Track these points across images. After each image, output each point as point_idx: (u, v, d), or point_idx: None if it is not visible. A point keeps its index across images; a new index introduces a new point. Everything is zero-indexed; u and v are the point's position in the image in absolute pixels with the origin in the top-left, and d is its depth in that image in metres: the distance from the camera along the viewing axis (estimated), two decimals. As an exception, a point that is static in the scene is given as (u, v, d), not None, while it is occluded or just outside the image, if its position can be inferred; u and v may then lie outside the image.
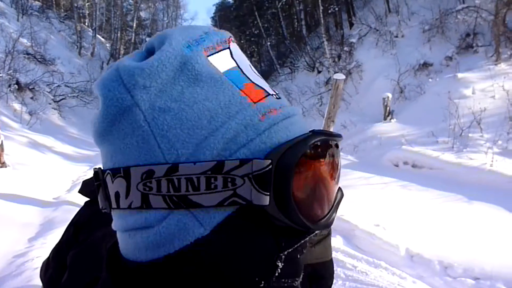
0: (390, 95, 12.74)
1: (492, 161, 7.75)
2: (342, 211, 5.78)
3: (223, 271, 0.53)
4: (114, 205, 0.55)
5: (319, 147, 0.55)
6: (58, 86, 19.34)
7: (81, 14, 31.59)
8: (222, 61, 0.55)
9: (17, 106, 15.12)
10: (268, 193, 0.51)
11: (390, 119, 12.44)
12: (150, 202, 0.51)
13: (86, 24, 32.54)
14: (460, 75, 11.89)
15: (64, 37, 26.42)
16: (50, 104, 17.76)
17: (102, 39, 34.28)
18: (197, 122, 0.52)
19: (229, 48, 0.57)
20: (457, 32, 14.29)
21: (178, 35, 0.55)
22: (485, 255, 4.62)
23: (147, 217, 0.53)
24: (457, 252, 4.74)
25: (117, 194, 0.54)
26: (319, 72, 20.89)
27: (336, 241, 5.03)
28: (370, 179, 8.05)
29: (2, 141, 8.80)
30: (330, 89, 14.30)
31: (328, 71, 18.97)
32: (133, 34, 37.20)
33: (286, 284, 0.57)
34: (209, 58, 0.54)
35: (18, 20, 21.79)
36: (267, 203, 0.51)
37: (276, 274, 0.55)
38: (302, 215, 0.53)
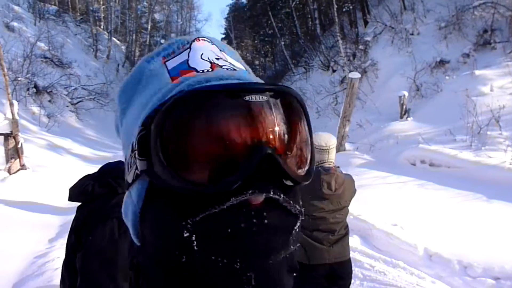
0: (406, 93, 12.62)
1: (511, 159, 7.63)
2: (359, 211, 5.76)
3: (150, 244, 0.57)
4: None
5: (190, 101, 0.51)
6: (75, 89, 19.58)
7: (96, 18, 31.93)
8: (176, 61, 0.62)
9: (35, 109, 15.36)
10: (144, 158, 0.53)
11: (407, 117, 12.32)
12: None
13: (102, 27, 32.88)
14: (477, 72, 11.72)
15: (80, 40, 26.74)
16: (67, 106, 17.98)
17: (118, 42, 34.61)
18: (135, 118, 0.60)
19: (190, 47, 0.64)
20: (474, 28, 14.09)
21: (146, 55, 0.67)
22: (505, 255, 4.56)
23: None
24: (476, 252, 4.68)
25: None
26: (334, 71, 20.80)
27: (353, 241, 5.00)
28: (387, 178, 7.99)
29: (21, 144, 8.95)
30: (345, 88, 14.26)
31: (343, 70, 18.87)
32: (148, 36, 37.47)
33: (220, 264, 0.49)
34: (167, 62, 0.63)
35: (35, 24, 22.12)
36: (145, 167, 0.53)
37: (195, 248, 0.50)
38: (184, 177, 0.50)
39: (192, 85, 0.55)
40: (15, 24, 19.35)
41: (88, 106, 19.70)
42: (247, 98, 0.52)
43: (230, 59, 0.65)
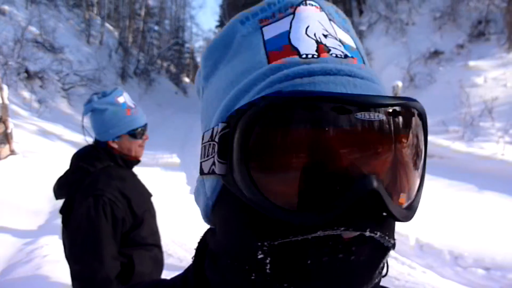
0: (400, 84, 12.59)
1: (503, 150, 7.66)
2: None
3: (220, 252, 0.51)
4: None
5: (288, 109, 0.42)
6: (67, 74, 19.37)
7: (89, 2, 31.51)
8: (275, 29, 0.52)
9: (26, 94, 15.18)
10: (225, 162, 0.45)
11: (400, 107, 12.33)
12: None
13: (95, 12, 32.47)
14: (471, 63, 11.73)
15: (72, 25, 26.39)
16: (59, 92, 17.80)
17: (111, 28, 34.23)
18: (220, 92, 0.52)
19: (293, 13, 0.52)
20: (468, 19, 14.07)
21: (241, 12, 0.56)
22: (496, 245, 4.58)
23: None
24: (467, 242, 4.70)
25: None
26: (328, 60, 20.77)
27: (345, 230, 5.01)
28: (380, 168, 7.99)
29: (11, 129, 8.85)
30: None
31: (337, 59, 18.83)
32: (142, 23, 37.08)
33: (283, 287, 0.44)
34: (264, 27, 0.52)
35: (26, 8, 21.78)
36: (223, 172, 0.45)
37: (268, 270, 0.44)
38: (272, 199, 0.42)
39: (291, 76, 0.45)
40: (6, 7, 19.04)
41: (80, 92, 19.50)
42: (359, 115, 0.42)
43: (340, 33, 0.53)
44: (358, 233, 0.43)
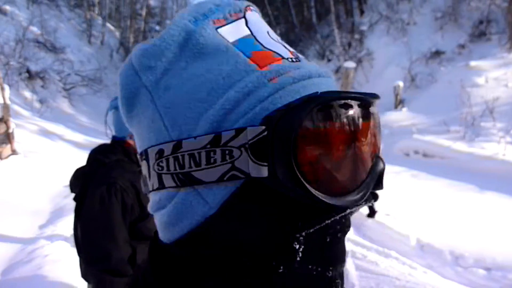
0: (401, 84, 12.61)
1: (504, 150, 7.65)
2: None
3: (236, 253, 0.50)
4: (146, 189, 0.57)
5: (328, 108, 0.46)
6: (68, 74, 19.39)
7: (90, 2, 31.54)
8: (233, 31, 0.53)
9: (27, 94, 15.20)
10: (266, 164, 0.46)
11: (401, 107, 12.32)
12: (163, 182, 0.52)
13: (96, 12, 32.51)
14: (472, 63, 11.72)
15: (73, 25, 26.42)
16: (60, 92, 17.82)
17: (112, 28, 34.27)
18: (196, 95, 0.50)
19: (244, 17, 0.54)
20: (470, 19, 14.06)
21: (186, 11, 0.54)
22: (496, 245, 4.58)
23: (161, 197, 0.54)
24: (468, 242, 4.70)
25: (145, 178, 0.56)
26: (329, 60, 20.72)
27: (346, 230, 5.00)
28: (380, 168, 7.99)
29: (13, 129, 8.86)
30: (340, 78, 14.23)
31: (338, 60, 18.81)
32: (143, 23, 37.11)
33: (314, 272, 0.49)
34: (219, 29, 0.53)
35: (28, 8, 21.80)
36: (266, 174, 0.46)
37: (298, 258, 0.48)
38: (315, 188, 0.46)
39: (298, 79, 0.49)
40: (7, 7, 19.06)
41: (81, 92, 19.53)
42: (371, 109, 0.51)
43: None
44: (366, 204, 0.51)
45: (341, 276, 0.52)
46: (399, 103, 12.44)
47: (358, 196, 0.48)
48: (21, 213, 5.79)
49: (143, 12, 36.66)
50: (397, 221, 5.34)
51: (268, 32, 0.54)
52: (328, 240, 0.50)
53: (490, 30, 13.08)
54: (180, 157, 0.49)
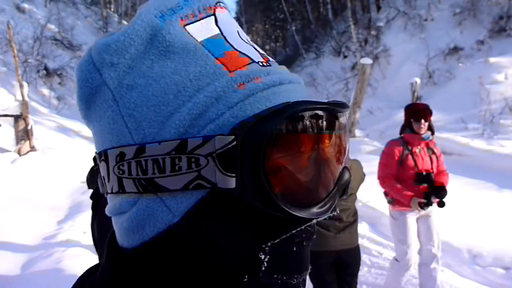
0: (418, 80, 12.45)
1: (524, 148, 7.53)
2: (368, 198, 5.71)
3: (199, 263, 0.48)
4: (103, 189, 0.53)
5: (299, 118, 0.45)
6: (85, 71, 19.60)
7: (106, 0, 31.83)
8: (202, 29, 0.50)
9: (45, 91, 15.42)
10: (234, 175, 0.44)
11: (418, 104, 12.19)
12: (124, 186, 0.48)
13: (112, 9, 32.77)
14: (492, 59, 11.53)
15: (90, 22, 26.68)
16: (77, 89, 18.03)
17: (128, 25, 34.53)
18: (163, 98, 0.47)
19: (213, 14, 0.52)
20: (489, 15, 13.83)
21: (151, 5, 0.50)
22: (516, 245, 4.51)
23: (121, 202, 0.50)
24: (486, 241, 4.63)
25: (103, 178, 0.52)
26: (345, 57, 20.60)
27: (362, 228, 4.97)
28: (397, 165, 7.92)
29: (31, 126, 8.99)
30: (356, 74, 14.12)
31: (355, 56, 18.68)
32: (158, 20, 37.33)
33: (279, 281, 0.49)
34: (187, 27, 0.50)
35: (45, 6, 22.08)
36: (233, 186, 0.45)
37: (263, 268, 0.47)
38: (283, 200, 0.45)
39: (268, 85, 0.48)
40: (25, 5, 19.34)
41: (98, 89, 19.75)
42: (341, 119, 0.50)
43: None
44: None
45: (304, 282, 0.52)
46: (416, 100, 12.29)
47: (326, 207, 0.48)
48: (40, 208, 5.88)
49: (159, 9, 36.85)
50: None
51: (238, 32, 0.53)
52: (294, 249, 0.49)
53: (510, 26, 12.85)
54: (143, 162, 0.46)
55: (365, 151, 9.26)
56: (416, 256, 3.73)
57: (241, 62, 0.49)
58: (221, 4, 0.54)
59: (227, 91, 0.46)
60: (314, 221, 0.50)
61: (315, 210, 0.47)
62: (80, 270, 3.90)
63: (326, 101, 0.48)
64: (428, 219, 3.83)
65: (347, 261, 3.07)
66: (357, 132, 11.18)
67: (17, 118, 8.79)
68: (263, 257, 0.47)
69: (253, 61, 0.49)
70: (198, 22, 0.50)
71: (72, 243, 4.51)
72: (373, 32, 18.88)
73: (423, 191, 3.65)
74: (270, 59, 0.53)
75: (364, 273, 4.20)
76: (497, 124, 9.08)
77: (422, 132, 3.77)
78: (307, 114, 0.46)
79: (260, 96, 0.47)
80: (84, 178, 6.68)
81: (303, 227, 0.49)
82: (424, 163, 3.77)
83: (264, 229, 0.47)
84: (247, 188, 0.44)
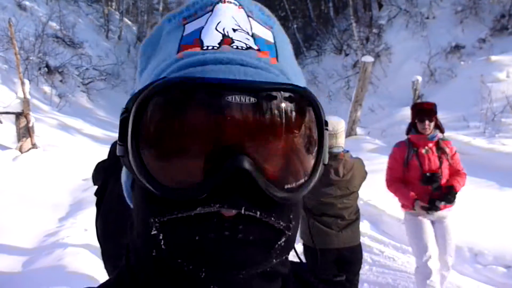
0: (420, 79, 12.43)
1: (526, 146, 7.52)
2: (370, 196, 5.71)
3: (132, 231, 0.56)
4: None
5: (167, 93, 0.46)
6: (87, 69, 19.59)
7: (108, -2, 31.80)
8: (195, 25, 0.56)
9: (47, 88, 15.42)
10: (122, 144, 0.50)
11: (420, 103, 12.17)
12: None
13: (113, 7, 32.73)
14: (493, 57, 11.50)
15: (92, 20, 26.65)
16: (78, 87, 18.03)
17: (129, 22, 34.47)
18: (142, 85, 0.52)
19: (211, 11, 0.56)
20: (491, 13, 13.80)
21: (172, 11, 0.60)
22: (517, 243, 4.50)
23: None
24: (487, 240, 4.63)
25: None
26: (346, 55, 20.53)
27: (363, 226, 4.97)
28: (398, 164, 7.91)
29: (33, 123, 9.00)
30: (357, 72, 14.09)
31: (356, 54, 18.62)
32: (160, 17, 37.27)
33: (185, 268, 0.47)
34: (187, 25, 0.56)
35: (47, 3, 22.05)
36: (121, 153, 0.50)
37: (163, 246, 0.47)
38: (153, 174, 0.46)
39: (186, 66, 0.50)
40: (27, 3, 19.33)
41: (99, 87, 19.73)
42: (229, 98, 0.45)
43: (257, 29, 0.57)
44: (235, 211, 0.46)
45: (226, 283, 0.48)
46: (417, 98, 12.27)
47: (196, 192, 0.45)
48: (41, 206, 5.89)
49: (160, 7, 36.79)
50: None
51: (219, 23, 0.55)
52: (197, 238, 0.46)
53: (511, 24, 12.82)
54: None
55: (367, 149, 9.26)
56: (437, 263, 3.62)
57: (193, 47, 0.52)
58: (225, 0, 0.57)
59: (164, 70, 0.52)
60: (199, 210, 0.46)
61: (185, 193, 0.46)
62: (81, 268, 3.92)
63: (217, 79, 0.47)
64: (442, 224, 3.72)
65: (349, 259, 3.07)
66: (359, 130, 11.18)
67: (18, 115, 8.80)
68: (155, 233, 0.48)
69: (202, 46, 0.52)
70: (197, 19, 0.56)
71: (73, 240, 4.51)
72: (374, 30, 18.83)
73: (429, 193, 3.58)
74: (242, 40, 0.54)
75: (365, 271, 4.20)
76: (499, 123, 9.07)
77: (427, 132, 3.68)
78: (178, 89, 0.46)
79: (181, 74, 0.49)
80: (85, 175, 6.66)
81: (192, 214, 0.46)
82: (432, 164, 3.66)
83: (152, 203, 0.48)
84: (128, 156, 0.48)
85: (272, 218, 0.48)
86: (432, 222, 3.71)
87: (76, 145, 10.40)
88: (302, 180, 0.51)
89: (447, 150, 3.75)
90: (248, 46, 0.53)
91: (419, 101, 12.20)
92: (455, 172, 3.74)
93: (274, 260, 0.50)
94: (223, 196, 0.45)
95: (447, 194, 3.57)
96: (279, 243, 0.50)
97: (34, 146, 8.91)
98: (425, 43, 14.50)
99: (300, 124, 0.50)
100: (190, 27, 0.56)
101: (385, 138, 10.48)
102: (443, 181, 3.65)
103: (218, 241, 0.46)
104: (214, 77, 0.47)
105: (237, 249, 0.46)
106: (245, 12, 0.57)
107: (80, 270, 3.80)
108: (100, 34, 26.46)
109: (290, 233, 0.51)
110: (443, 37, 14.22)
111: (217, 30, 0.54)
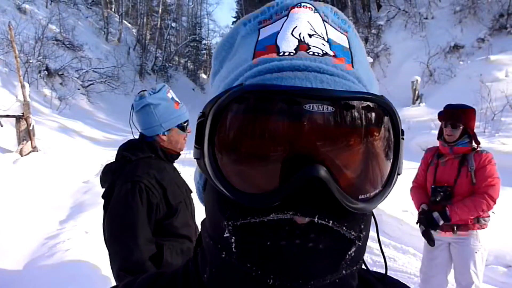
0: (419, 79, 12.46)
1: (525, 146, 7.52)
2: (369, 196, 5.71)
3: (205, 230, 0.56)
4: None
5: (245, 100, 0.47)
6: (86, 71, 19.62)
7: (107, 0, 31.82)
8: (270, 29, 0.56)
9: (47, 91, 15.44)
10: (199, 147, 0.50)
11: (419, 103, 12.18)
12: None
13: (113, 10, 32.78)
14: (492, 57, 11.51)
15: (91, 23, 26.69)
16: (78, 89, 18.06)
17: (129, 25, 34.52)
18: (216, 89, 0.57)
19: (287, 15, 0.56)
20: (490, 12, 13.81)
21: (248, 15, 0.60)
22: (517, 243, 4.51)
23: None
24: (488, 239, 4.63)
25: None
26: (345, 55, 20.57)
27: (363, 227, 4.98)
28: (398, 164, 7.92)
29: (33, 126, 9.00)
30: (357, 73, 14.08)
31: (355, 55, 18.65)
32: (159, 19, 37.32)
33: (253, 273, 0.47)
34: (261, 29, 0.56)
35: (46, 6, 22.09)
36: (197, 156, 0.51)
37: (233, 249, 0.48)
38: (229, 179, 0.47)
39: (262, 72, 0.50)
40: (26, 6, 19.35)
41: (99, 89, 19.76)
42: (307, 107, 0.45)
43: (333, 34, 0.56)
44: (308, 219, 0.46)
45: None
46: (417, 98, 12.30)
47: (270, 198, 0.45)
48: (42, 208, 5.89)
49: (160, 9, 36.83)
50: (415, 217, 5.27)
51: (294, 28, 0.54)
52: (268, 243, 0.46)
53: (510, 23, 12.83)
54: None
55: (366, 149, 9.27)
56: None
57: (269, 53, 0.52)
58: (301, 4, 0.57)
59: (240, 76, 0.52)
60: (273, 216, 0.46)
61: (258, 199, 0.46)
62: (82, 270, 3.92)
63: (296, 87, 0.47)
64: (460, 246, 3.23)
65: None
66: (358, 130, 11.21)
67: (18, 118, 8.81)
68: (228, 235, 0.48)
69: (278, 52, 0.52)
70: (272, 24, 0.56)
71: (73, 243, 4.51)
72: (373, 31, 18.86)
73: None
74: (318, 45, 0.53)
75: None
76: (498, 122, 9.07)
77: (450, 140, 3.23)
78: (255, 96, 0.47)
79: (258, 80, 0.49)
80: (85, 178, 6.66)
81: (265, 220, 0.47)
82: (446, 176, 3.24)
83: (226, 207, 0.49)
84: (204, 159, 0.49)
85: (344, 228, 0.48)
86: (449, 244, 3.32)
87: (76, 148, 10.41)
88: (377, 191, 0.51)
89: (473, 163, 3.18)
90: (324, 52, 0.52)
91: (418, 101, 12.22)
92: (473, 192, 3.18)
93: (344, 272, 0.49)
94: (297, 204, 0.45)
95: (432, 217, 3.19)
96: (349, 253, 0.49)
97: (34, 149, 8.92)
98: (424, 43, 14.52)
99: (377, 133, 0.49)
100: (265, 32, 0.56)
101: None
102: (457, 198, 3.17)
103: (289, 248, 0.46)
104: (291, 85, 0.47)
105: (307, 257, 0.46)
106: (320, 16, 0.57)
107: (81, 273, 3.80)
108: (99, 36, 26.50)
109: (360, 243, 0.51)
110: (442, 37, 14.23)
111: (293, 35, 0.53)
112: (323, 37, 0.54)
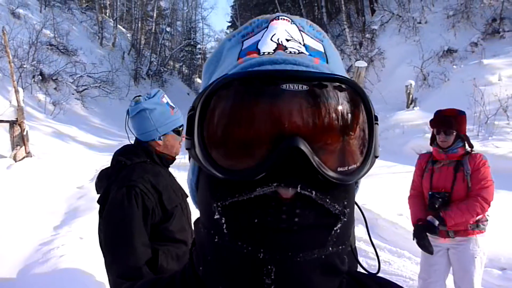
0: (413, 83, 12.52)
1: (519, 149, 7.56)
2: (365, 200, 5.73)
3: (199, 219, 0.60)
4: None
5: (229, 86, 0.51)
6: (81, 76, 19.57)
7: (102, 5, 31.79)
8: (252, 40, 0.62)
9: (41, 96, 15.38)
10: (189, 138, 0.55)
11: (413, 107, 12.23)
12: None
13: (107, 14, 32.75)
14: (485, 61, 11.60)
15: (85, 28, 26.65)
16: (73, 94, 18.00)
17: (123, 30, 34.49)
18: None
19: (267, 27, 0.62)
20: (482, 17, 13.92)
21: (230, 33, 0.67)
22: (511, 245, 4.52)
23: None
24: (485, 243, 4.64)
25: None
26: (340, 60, 20.65)
27: (358, 230, 4.98)
28: (393, 167, 7.94)
29: (27, 131, 8.96)
30: (351, 77, 14.15)
31: (350, 59, 18.72)
32: (154, 24, 37.30)
33: (245, 250, 0.49)
34: (244, 41, 0.62)
35: (40, 11, 22.05)
36: (188, 146, 0.55)
37: (225, 230, 0.51)
38: (217, 161, 0.51)
39: (246, 67, 0.55)
40: (20, 11, 19.31)
41: (94, 94, 19.71)
42: (284, 86, 0.50)
43: (309, 41, 0.62)
44: (289, 189, 0.49)
45: (283, 265, 0.49)
46: (411, 102, 12.36)
47: (255, 170, 0.49)
48: (36, 214, 5.86)
49: (154, 14, 36.82)
50: (410, 221, 5.30)
51: (273, 35, 0.61)
52: (256, 221, 0.49)
53: (503, 28, 12.93)
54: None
55: (361, 153, 9.29)
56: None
57: (250, 54, 0.58)
58: (280, 17, 0.64)
59: (227, 72, 0.57)
60: (259, 191, 0.49)
61: (243, 174, 0.50)
62: (76, 276, 3.89)
63: (274, 70, 0.52)
64: (458, 251, 3.21)
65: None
66: (353, 134, 11.23)
67: (12, 123, 8.77)
68: (218, 217, 0.52)
69: (259, 53, 0.58)
70: (252, 37, 0.62)
71: (68, 249, 4.49)
72: (367, 35, 18.95)
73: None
74: (294, 47, 0.59)
75: (361, 276, 4.20)
76: (492, 125, 9.13)
77: (444, 146, 3.20)
78: (236, 81, 0.51)
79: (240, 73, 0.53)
80: (80, 183, 6.62)
81: (252, 196, 0.49)
82: (443, 181, 3.21)
83: (215, 188, 0.53)
84: (194, 148, 0.53)
85: (327, 200, 0.51)
86: (448, 250, 3.30)
87: (70, 153, 10.37)
88: (354, 166, 0.54)
89: (469, 167, 3.16)
90: (300, 51, 0.58)
91: (412, 105, 12.27)
92: (469, 195, 3.15)
93: (331, 249, 0.52)
94: (280, 176, 0.49)
95: (424, 225, 3.20)
96: (335, 229, 0.52)
97: (28, 154, 8.88)
98: (418, 47, 14.60)
99: (351, 113, 0.53)
100: (248, 42, 0.62)
101: (380, 142, 10.49)
102: (456, 203, 3.14)
103: (276, 224, 0.49)
104: (270, 69, 0.52)
105: (294, 232, 0.49)
106: (297, 27, 0.63)
107: (75, 279, 3.78)
108: (94, 41, 26.46)
109: (345, 219, 0.54)
110: (436, 42, 14.32)
111: (272, 40, 0.60)
112: (299, 42, 0.60)
